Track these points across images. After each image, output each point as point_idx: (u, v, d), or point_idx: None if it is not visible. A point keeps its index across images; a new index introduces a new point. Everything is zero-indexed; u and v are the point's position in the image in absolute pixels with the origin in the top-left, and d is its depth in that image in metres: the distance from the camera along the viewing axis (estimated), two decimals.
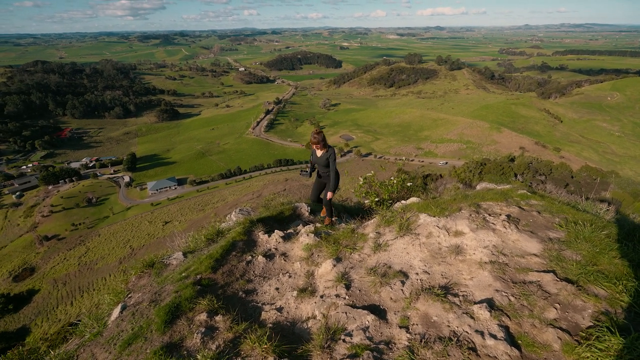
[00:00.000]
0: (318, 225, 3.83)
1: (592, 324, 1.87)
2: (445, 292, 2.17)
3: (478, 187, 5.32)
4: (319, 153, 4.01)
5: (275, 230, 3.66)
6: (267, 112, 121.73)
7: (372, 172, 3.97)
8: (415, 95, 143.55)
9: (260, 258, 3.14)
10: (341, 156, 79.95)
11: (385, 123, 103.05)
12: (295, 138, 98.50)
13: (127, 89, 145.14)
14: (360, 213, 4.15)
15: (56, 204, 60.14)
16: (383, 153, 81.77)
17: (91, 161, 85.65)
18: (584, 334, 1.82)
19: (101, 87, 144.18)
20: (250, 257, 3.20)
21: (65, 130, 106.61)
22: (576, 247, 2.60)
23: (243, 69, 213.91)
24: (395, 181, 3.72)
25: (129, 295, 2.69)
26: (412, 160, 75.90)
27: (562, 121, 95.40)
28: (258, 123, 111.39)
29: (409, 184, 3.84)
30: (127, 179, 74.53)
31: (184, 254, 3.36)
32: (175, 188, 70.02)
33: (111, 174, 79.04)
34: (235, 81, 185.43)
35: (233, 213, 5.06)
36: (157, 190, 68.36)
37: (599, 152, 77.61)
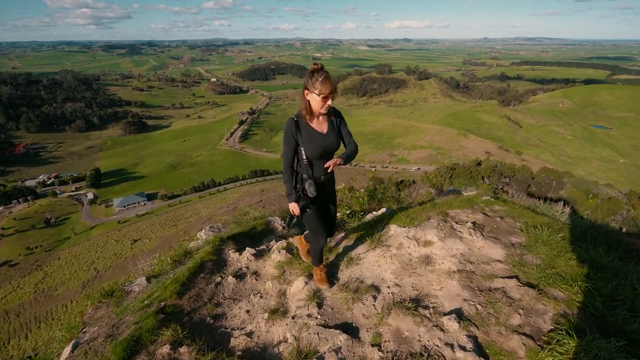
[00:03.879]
0: (290, 240, 3.77)
1: (552, 327, 1.95)
2: (416, 304, 2.18)
3: (445, 194, 5.50)
4: (321, 126, 2.12)
5: (247, 248, 3.55)
6: (241, 123, 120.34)
7: (343, 184, 3.97)
8: (387, 104, 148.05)
9: (231, 279, 3.02)
10: None
11: (359, 131, 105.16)
12: (271, 148, 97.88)
13: (90, 101, 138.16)
14: None
15: (8, 226, 55.30)
16: (358, 161, 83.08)
17: (50, 178, 79.91)
18: (545, 338, 1.89)
19: (61, 98, 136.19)
20: (219, 278, 3.07)
21: (18, 145, 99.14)
22: (536, 251, 2.73)
23: (215, 79, 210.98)
24: (364, 193, 3.74)
25: (84, 330, 2.47)
26: (386, 167, 77.64)
27: (521, 126, 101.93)
28: (232, 134, 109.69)
29: (379, 196, 3.88)
30: (90, 196, 70.24)
31: (148, 279, 3.16)
32: (144, 204, 66.85)
33: (73, 192, 74.16)
34: (207, 92, 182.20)
35: (203, 231, 4.87)
36: (124, 206, 64.91)
37: (555, 154, 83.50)
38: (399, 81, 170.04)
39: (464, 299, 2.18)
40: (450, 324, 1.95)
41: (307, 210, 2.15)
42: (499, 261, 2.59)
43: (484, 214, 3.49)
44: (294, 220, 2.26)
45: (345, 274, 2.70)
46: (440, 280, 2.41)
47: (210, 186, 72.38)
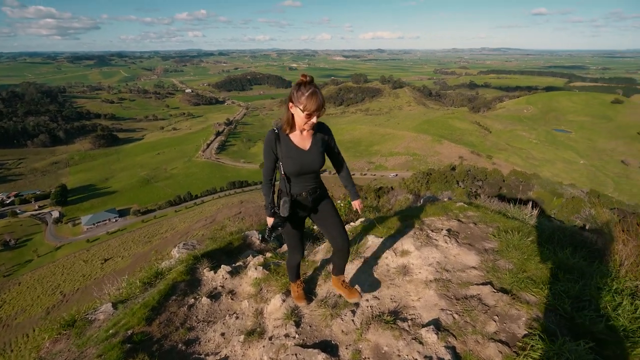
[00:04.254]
0: (268, 255, 3.67)
1: (526, 332, 1.98)
2: (395, 317, 2.16)
3: (422, 201, 5.61)
4: (304, 142, 1.96)
5: (222, 266, 3.42)
6: (218, 134, 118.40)
7: None
8: (364, 112, 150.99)
9: (205, 300, 2.88)
10: None
11: (338, 140, 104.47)
12: (249, 159, 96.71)
13: (55, 114, 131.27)
14: (310, 237, 4.07)
15: None
16: None
17: (9, 197, 74.42)
18: (520, 344, 1.92)
19: (22, 112, 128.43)
20: (193, 299, 2.92)
21: None
22: (508, 255, 2.80)
23: (190, 90, 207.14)
24: (342, 204, 3.72)
25: None
26: (365, 175, 78.67)
27: (491, 132, 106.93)
28: (208, 145, 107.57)
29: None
30: (56, 214, 66.05)
31: (114, 305, 2.96)
32: (116, 220, 63.69)
33: (35, 211, 69.43)
34: (182, 103, 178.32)
35: (176, 249, 4.66)
36: (94, 224, 61.52)
37: (523, 157, 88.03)
38: (374, 90, 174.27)
39: (442, 309, 2.19)
40: (429, 335, 1.94)
41: (279, 228, 2.00)
42: (474, 268, 2.63)
43: (458, 220, 3.57)
44: (273, 234, 2.08)
45: (323, 288, 2.65)
46: (418, 291, 2.41)
47: (186, 199, 70.21)
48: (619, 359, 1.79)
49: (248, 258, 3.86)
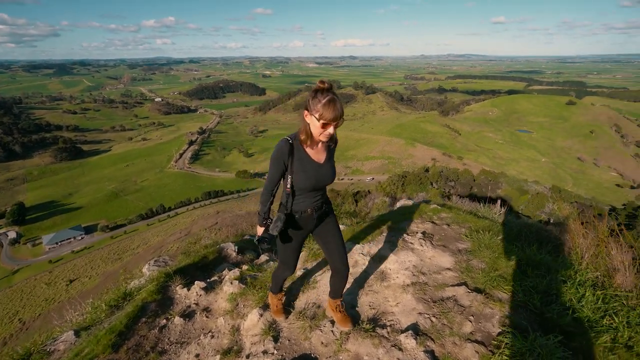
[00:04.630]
0: (244, 267, 3.56)
1: (500, 330, 2.03)
2: (374, 325, 2.14)
3: (398, 205, 5.70)
4: (319, 155, 1.83)
5: (196, 282, 3.27)
6: (191, 143, 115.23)
7: None
8: None
9: (178, 319, 2.73)
10: None
11: None
12: (224, 167, 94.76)
13: (10, 127, 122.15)
14: None
15: None
16: None
17: None
18: (495, 342, 1.96)
19: None
20: (164, 320, 2.76)
21: None
22: (480, 255, 2.89)
23: (160, 99, 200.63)
24: None
25: None
26: (342, 179, 79.34)
27: (460, 134, 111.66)
28: (181, 155, 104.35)
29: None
30: (12, 235, 61.13)
31: (77, 333, 2.73)
32: (82, 238, 59.92)
33: None
34: (151, 112, 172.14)
35: (146, 266, 4.42)
36: (56, 243, 57.50)
37: (491, 157, 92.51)
38: (348, 96, 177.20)
39: (419, 313, 2.20)
40: (408, 341, 1.94)
41: (265, 243, 1.85)
42: (449, 269, 2.69)
43: (432, 222, 3.65)
44: (267, 246, 1.90)
45: (301, 299, 2.59)
46: (396, 296, 2.42)
47: (159, 212, 67.42)
48: (585, 350, 1.87)
49: (224, 272, 3.73)
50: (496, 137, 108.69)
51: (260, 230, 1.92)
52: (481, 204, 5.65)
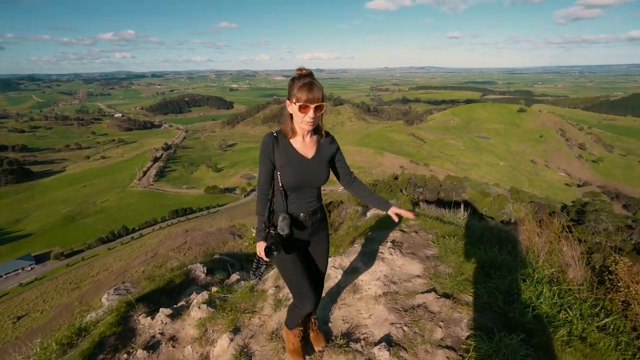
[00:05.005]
0: (213, 290, 3.41)
1: (469, 334, 2.10)
2: (348, 340, 2.12)
3: (369, 214, 5.79)
4: (306, 149, 1.71)
5: (161, 309, 3.07)
6: (156, 160, 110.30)
7: None
8: None
9: (141, 353, 2.54)
10: (245, 196, 77.78)
11: None
12: (192, 184, 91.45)
13: None
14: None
15: None
16: None
17: None
18: (465, 346, 2.01)
19: None
20: (125, 355, 2.55)
21: None
22: (447, 260, 2.99)
23: (120, 115, 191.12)
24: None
25: None
26: None
27: (425, 142, 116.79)
28: (145, 172, 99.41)
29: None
30: None
31: None
32: (32, 268, 54.49)
33: None
34: (111, 129, 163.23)
35: (105, 296, 4.09)
36: (1, 276, 51.81)
37: (454, 163, 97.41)
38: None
39: (392, 323, 2.22)
40: (381, 353, 1.94)
41: (274, 252, 1.55)
42: (418, 276, 2.75)
43: (401, 230, 3.73)
44: (263, 266, 1.70)
45: (274, 319, 2.52)
46: (369, 307, 2.42)
47: (122, 234, 63.22)
48: (545, 345, 1.97)
49: (192, 296, 3.55)
50: (458, 143, 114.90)
51: (261, 248, 1.66)
52: (447, 209, 5.89)
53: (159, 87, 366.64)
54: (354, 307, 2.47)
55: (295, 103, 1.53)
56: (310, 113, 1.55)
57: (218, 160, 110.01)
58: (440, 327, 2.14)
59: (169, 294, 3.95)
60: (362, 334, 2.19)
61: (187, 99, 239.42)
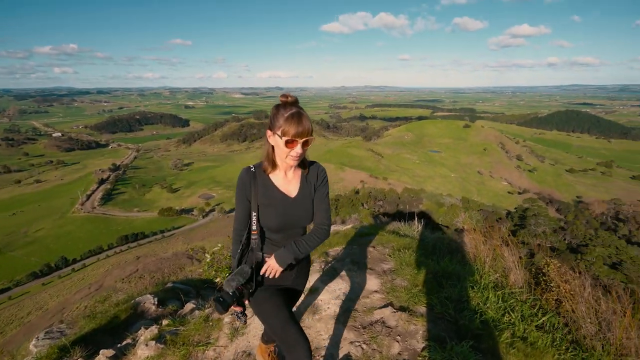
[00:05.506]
0: (164, 323, 3.16)
1: (424, 345, 2.16)
2: None
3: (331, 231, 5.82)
4: (288, 185, 1.53)
5: (101, 351, 2.76)
6: (102, 182, 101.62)
7: (219, 244, 3.65)
8: None
9: None
10: (203, 217, 74.26)
11: None
12: (144, 207, 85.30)
13: None
14: (214, 293, 3.70)
15: None
16: None
17: None
18: (420, 358, 2.07)
19: None
20: None
21: None
22: (402, 273, 3.09)
23: (59, 134, 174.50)
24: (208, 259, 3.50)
25: None
26: None
27: (383, 157, 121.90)
28: (89, 196, 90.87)
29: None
30: None
31: None
32: None
33: None
34: (48, 149, 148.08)
35: (33, 341, 3.58)
36: None
37: (411, 176, 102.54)
38: None
39: (351, 342, 2.21)
40: None
41: (219, 305, 1.33)
42: (376, 291, 2.79)
43: (360, 246, 3.80)
44: (223, 308, 1.35)
45: (230, 350, 2.38)
46: (328, 328, 2.40)
47: (60, 267, 56.38)
48: (492, 349, 2.09)
49: (139, 332, 3.24)
50: (413, 157, 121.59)
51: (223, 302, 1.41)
52: (404, 221, 6.13)
53: (105, 104, 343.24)
54: (314, 328, 2.43)
55: (281, 137, 1.34)
56: (298, 148, 1.37)
57: (173, 180, 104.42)
58: (398, 341, 2.18)
59: (113, 332, 3.58)
60: (321, 356, 2.15)
61: (138, 117, 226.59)
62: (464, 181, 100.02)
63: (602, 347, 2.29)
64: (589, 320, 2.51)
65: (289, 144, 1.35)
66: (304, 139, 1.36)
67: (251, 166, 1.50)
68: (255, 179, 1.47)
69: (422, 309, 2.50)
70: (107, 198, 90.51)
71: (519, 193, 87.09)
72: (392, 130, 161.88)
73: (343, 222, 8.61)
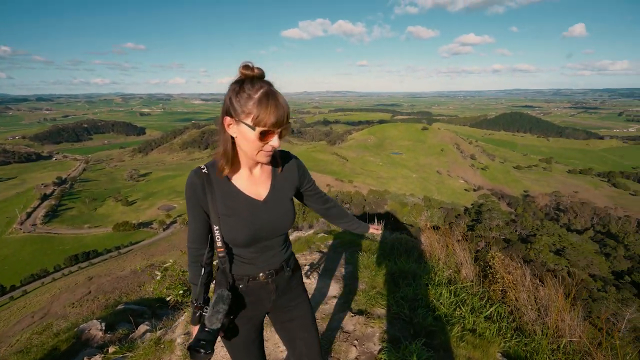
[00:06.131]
0: (111, 350, 2.90)
1: (380, 347, 2.18)
2: None
3: (291, 237, 5.77)
4: (256, 186, 1.15)
5: None
6: (45, 197, 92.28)
7: (171, 260, 3.44)
8: None
9: None
10: (164, 230, 70.26)
11: None
12: (97, 222, 78.80)
13: None
14: (170, 312, 3.48)
15: None
16: None
17: None
18: None
19: None
20: None
21: None
22: (361, 276, 3.12)
23: None
24: None
25: None
26: None
27: (347, 160, 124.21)
28: (30, 214, 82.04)
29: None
30: None
31: None
32: None
33: None
34: None
35: None
36: None
37: (375, 178, 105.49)
38: None
39: None
40: None
41: (202, 352, 0.97)
42: (335, 297, 2.79)
43: (320, 251, 3.79)
44: (207, 354, 0.99)
45: None
46: None
47: None
48: (444, 344, 2.17)
49: None
50: (376, 160, 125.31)
51: (194, 331, 1.07)
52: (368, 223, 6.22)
53: (47, 112, 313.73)
54: (271, 340, 2.36)
55: (252, 127, 0.96)
56: (275, 141, 1.02)
57: (129, 192, 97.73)
58: (355, 345, 2.18)
59: None
60: None
61: (86, 126, 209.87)
62: (424, 181, 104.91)
63: (542, 331, 2.47)
64: (530, 307, 2.71)
65: (265, 136, 0.99)
66: (282, 128, 1.01)
67: (202, 166, 1.11)
68: (211, 184, 1.09)
69: (380, 310, 2.54)
70: (51, 215, 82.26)
71: (474, 190, 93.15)
72: (355, 134, 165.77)
73: (310, 227, 8.59)
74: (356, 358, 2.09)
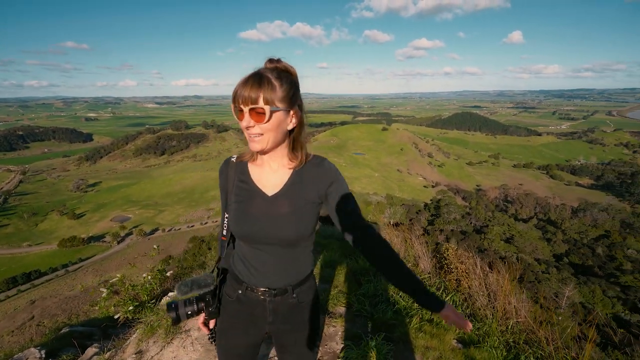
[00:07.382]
0: None
1: (342, 345, 2.18)
2: None
3: None
4: (269, 178, 1.04)
5: None
6: None
7: (119, 275, 3.18)
8: (191, 159, 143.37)
9: None
10: (118, 243, 65.31)
11: (167, 192, 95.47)
12: (38, 239, 71.04)
13: None
14: (120, 331, 3.21)
15: None
16: (172, 224, 74.36)
17: None
18: None
19: None
20: None
21: None
22: (323, 275, 3.12)
23: None
24: (149, 277, 3.12)
25: None
26: (205, 224, 73.33)
27: None
28: None
29: (168, 274, 3.35)
30: None
31: None
32: None
33: None
34: None
35: None
36: None
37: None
38: (198, 135, 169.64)
39: (271, 357, 2.12)
40: None
41: (173, 312, 1.01)
42: None
43: None
44: (175, 314, 1.02)
45: None
46: None
47: None
48: (404, 336, 2.23)
49: None
50: (340, 160, 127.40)
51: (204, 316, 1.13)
52: (323, 225, 6.27)
53: None
54: None
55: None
56: (245, 120, 0.95)
57: (76, 204, 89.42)
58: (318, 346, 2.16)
59: None
60: None
61: (21, 133, 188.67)
62: (386, 179, 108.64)
63: (492, 315, 2.64)
64: (481, 293, 2.89)
65: (237, 115, 0.97)
66: (250, 106, 0.92)
67: (235, 155, 1.14)
68: (234, 168, 1.09)
69: (342, 309, 2.55)
70: None
71: (433, 186, 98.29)
72: (318, 135, 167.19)
73: None
74: (319, 358, 2.07)
